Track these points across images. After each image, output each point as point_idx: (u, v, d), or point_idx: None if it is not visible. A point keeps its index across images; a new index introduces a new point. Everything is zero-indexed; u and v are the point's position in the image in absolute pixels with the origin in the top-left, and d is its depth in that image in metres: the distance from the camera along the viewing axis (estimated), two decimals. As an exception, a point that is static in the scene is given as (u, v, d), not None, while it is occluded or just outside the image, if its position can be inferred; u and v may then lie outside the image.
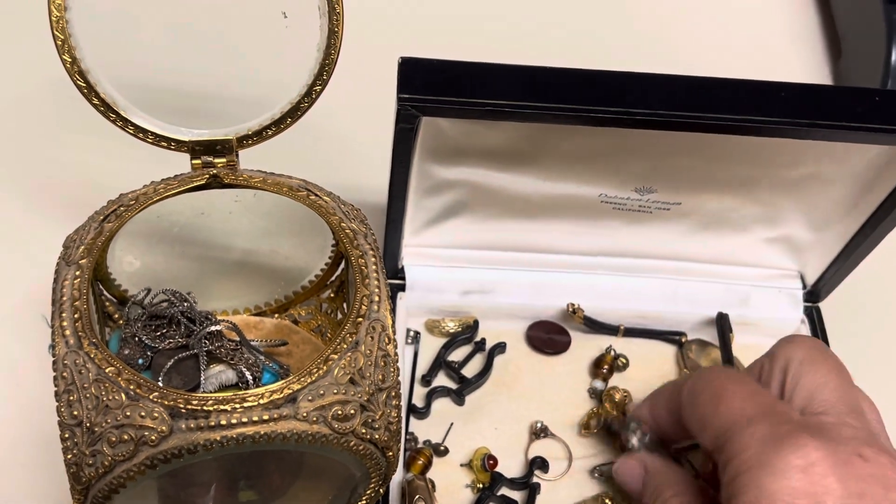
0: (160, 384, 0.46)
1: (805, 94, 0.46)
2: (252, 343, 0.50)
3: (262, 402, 0.38)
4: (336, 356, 0.40)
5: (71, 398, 0.39)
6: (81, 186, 0.64)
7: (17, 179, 0.65)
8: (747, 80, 0.46)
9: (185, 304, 0.49)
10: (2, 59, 0.70)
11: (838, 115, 0.45)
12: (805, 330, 0.60)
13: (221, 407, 0.38)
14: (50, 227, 0.60)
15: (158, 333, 0.48)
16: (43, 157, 0.66)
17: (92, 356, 0.39)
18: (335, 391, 0.40)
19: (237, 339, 0.49)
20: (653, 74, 0.46)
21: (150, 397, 0.38)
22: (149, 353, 0.48)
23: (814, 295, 0.61)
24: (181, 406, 0.38)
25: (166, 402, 0.38)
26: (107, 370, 0.39)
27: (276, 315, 0.56)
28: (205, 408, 0.38)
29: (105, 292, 0.51)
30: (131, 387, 0.38)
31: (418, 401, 0.56)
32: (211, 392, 0.48)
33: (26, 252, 0.60)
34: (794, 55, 0.77)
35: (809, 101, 0.46)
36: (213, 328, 0.48)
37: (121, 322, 0.51)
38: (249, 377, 0.48)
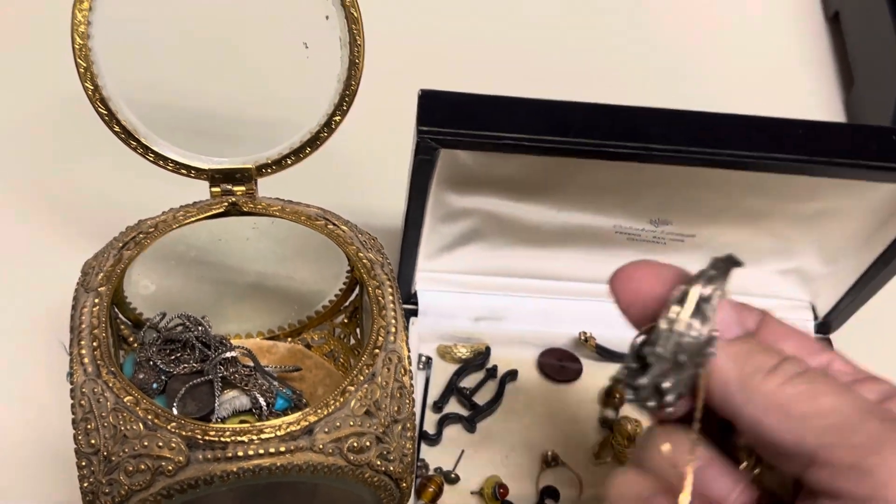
0: (175, 412, 0.46)
1: (821, 132, 0.46)
2: (266, 369, 0.50)
3: (279, 433, 0.39)
4: (353, 388, 0.40)
5: (89, 426, 0.39)
6: (97, 205, 0.64)
7: (32, 198, 0.65)
8: (764, 117, 0.46)
9: (200, 329, 0.50)
10: (19, 77, 0.70)
11: (854, 153, 0.45)
12: (816, 361, 0.60)
13: (239, 438, 0.38)
14: (67, 247, 0.61)
15: (173, 357, 0.49)
16: (59, 176, 0.66)
17: (110, 385, 0.39)
18: (351, 423, 0.40)
19: (251, 364, 0.49)
20: (670, 110, 0.46)
21: (168, 427, 0.38)
22: (163, 378, 0.48)
23: (825, 326, 0.61)
24: (199, 437, 0.38)
25: (184, 433, 0.38)
26: (125, 399, 0.39)
27: (289, 339, 0.56)
28: (222, 439, 0.38)
29: (120, 315, 0.51)
30: (149, 416, 0.38)
31: (430, 427, 0.56)
32: (224, 417, 0.48)
33: (43, 272, 0.60)
34: (806, 84, 0.78)
35: (825, 138, 0.46)
36: (228, 354, 0.48)
37: (135, 345, 0.51)
38: (263, 403, 0.48)
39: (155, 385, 0.48)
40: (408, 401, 0.42)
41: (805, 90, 0.77)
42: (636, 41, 0.77)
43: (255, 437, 0.38)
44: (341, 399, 0.40)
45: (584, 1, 0.79)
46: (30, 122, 0.68)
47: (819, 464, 0.31)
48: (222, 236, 0.50)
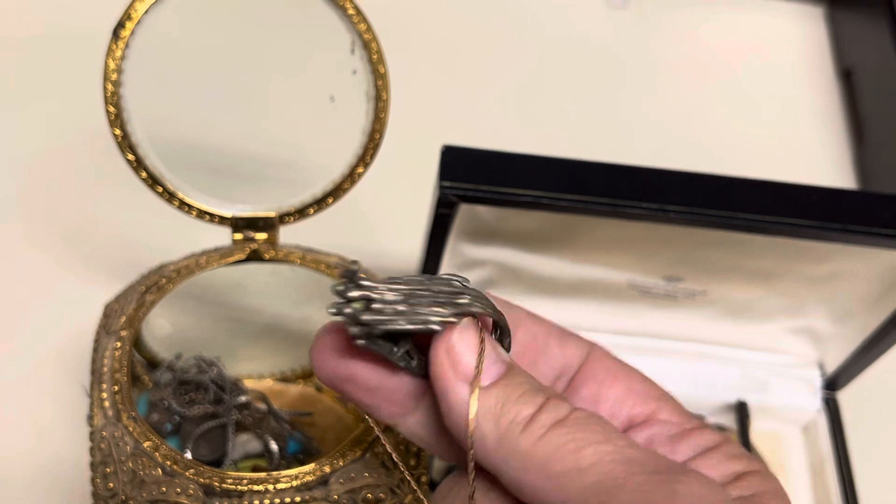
0: (189, 454, 0.46)
1: (835, 198, 0.47)
2: (279, 413, 0.50)
3: (294, 483, 0.39)
4: (369, 439, 0.41)
5: (107, 470, 0.39)
6: (118, 242, 0.64)
7: (53, 233, 0.65)
8: (779, 183, 0.47)
9: (214, 370, 0.50)
10: (47, 111, 0.70)
11: (866, 221, 0.46)
12: (822, 418, 0.61)
13: (255, 487, 0.39)
14: (86, 283, 0.61)
15: (187, 399, 0.49)
16: (80, 212, 0.66)
17: (130, 430, 0.40)
18: (366, 475, 0.40)
19: (264, 407, 0.50)
20: (687, 172, 0.47)
21: (186, 474, 0.39)
22: (176, 418, 0.49)
23: (832, 383, 0.62)
24: (216, 484, 0.38)
25: (201, 480, 0.39)
26: (144, 444, 0.39)
27: (301, 381, 0.56)
28: (238, 487, 0.39)
29: (135, 353, 0.51)
30: (168, 462, 0.39)
31: (438, 475, 0.57)
32: (236, 459, 0.48)
33: (62, 307, 0.60)
34: (817, 139, 0.79)
35: (839, 205, 0.47)
36: (243, 398, 0.49)
37: (149, 384, 0.51)
38: (275, 447, 0.49)
39: (168, 426, 0.49)
40: (424, 452, 0.43)
41: (816, 146, 0.78)
42: (650, 100, 0.79)
43: (270, 487, 0.39)
44: (357, 451, 0.40)
45: (601, 63, 0.80)
46: (52, 157, 0.69)
47: None
48: (241, 280, 0.50)
